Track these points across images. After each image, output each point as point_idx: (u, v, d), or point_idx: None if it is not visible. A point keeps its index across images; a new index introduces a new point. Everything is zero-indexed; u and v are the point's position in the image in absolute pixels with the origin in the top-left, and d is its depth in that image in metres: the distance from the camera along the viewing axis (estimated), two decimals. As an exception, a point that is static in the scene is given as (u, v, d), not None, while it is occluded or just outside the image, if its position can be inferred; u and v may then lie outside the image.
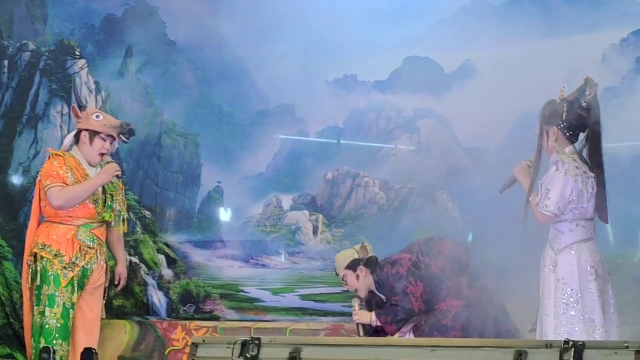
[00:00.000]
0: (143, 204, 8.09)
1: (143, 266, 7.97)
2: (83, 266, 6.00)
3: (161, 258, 8.00)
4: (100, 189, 6.08)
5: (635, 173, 6.06)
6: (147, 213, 8.08)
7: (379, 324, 5.94)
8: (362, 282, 6.09)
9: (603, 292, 5.00)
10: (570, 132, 5.10)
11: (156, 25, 8.28)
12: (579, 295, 4.92)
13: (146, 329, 7.65)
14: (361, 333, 6.00)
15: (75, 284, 5.97)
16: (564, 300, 4.94)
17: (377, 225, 7.47)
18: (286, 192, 7.83)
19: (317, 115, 7.80)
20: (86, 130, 6.10)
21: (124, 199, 6.34)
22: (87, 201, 6.01)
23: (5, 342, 7.83)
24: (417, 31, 7.53)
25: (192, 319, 7.70)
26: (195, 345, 4.01)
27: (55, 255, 5.95)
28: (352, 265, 6.12)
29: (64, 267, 5.94)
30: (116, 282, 6.34)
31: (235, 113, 8.08)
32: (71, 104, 7.52)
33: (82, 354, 5.37)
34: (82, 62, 8.38)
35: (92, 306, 6.13)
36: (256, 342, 3.82)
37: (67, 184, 5.95)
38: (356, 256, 6.14)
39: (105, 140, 6.10)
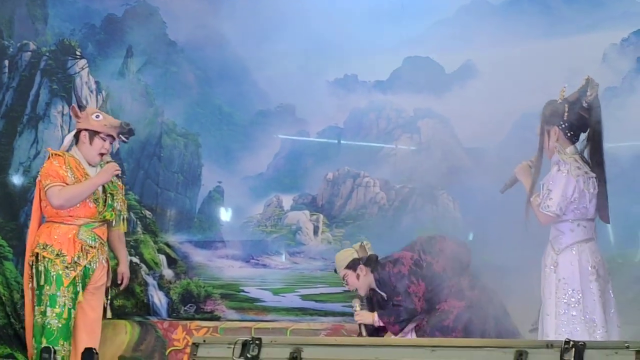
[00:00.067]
0: (144, 204, 8.10)
1: (144, 266, 7.97)
2: (85, 266, 5.98)
3: (162, 258, 8.00)
4: (100, 189, 6.07)
5: (636, 173, 6.06)
6: (147, 213, 8.08)
7: (381, 324, 5.94)
8: (363, 281, 6.09)
9: (604, 292, 5.00)
10: (572, 133, 5.09)
11: (157, 25, 8.28)
12: (580, 295, 4.92)
13: (147, 329, 7.64)
14: (364, 333, 6.00)
15: (78, 284, 5.97)
16: (565, 301, 4.94)
17: (377, 225, 7.47)
18: (287, 192, 7.83)
19: (318, 115, 7.81)
20: (86, 130, 6.09)
21: (124, 198, 6.33)
22: (87, 200, 6.00)
23: (6, 342, 7.83)
24: (417, 31, 7.53)
25: (193, 319, 7.69)
26: (195, 345, 4.00)
27: (57, 255, 5.94)
28: (352, 265, 6.11)
29: (66, 267, 5.93)
30: (119, 282, 6.33)
31: (235, 113, 8.08)
32: (72, 104, 7.52)
33: (82, 354, 5.37)
34: (82, 62, 8.39)
35: (93, 306, 6.12)
36: (257, 342, 3.82)
37: (67, 184, 5.94)
38: (355, 256, 6.14)
39: (105, 140, 6.10)
